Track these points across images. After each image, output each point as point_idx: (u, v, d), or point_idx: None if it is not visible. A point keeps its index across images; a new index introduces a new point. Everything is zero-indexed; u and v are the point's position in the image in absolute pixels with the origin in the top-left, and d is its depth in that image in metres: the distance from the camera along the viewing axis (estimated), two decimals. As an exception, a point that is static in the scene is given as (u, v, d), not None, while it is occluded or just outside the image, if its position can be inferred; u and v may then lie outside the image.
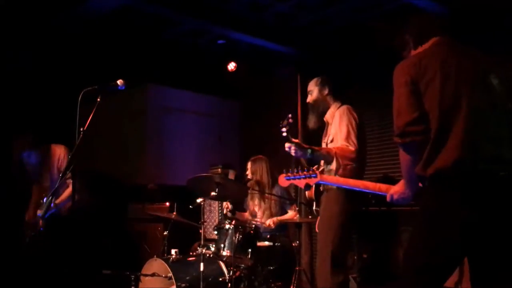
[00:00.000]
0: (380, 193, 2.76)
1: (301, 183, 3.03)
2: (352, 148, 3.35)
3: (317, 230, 3.56)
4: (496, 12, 4.62)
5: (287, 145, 3.30)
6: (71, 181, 3.80)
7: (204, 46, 6.33)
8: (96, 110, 3.08)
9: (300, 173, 3.02)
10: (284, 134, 3.19)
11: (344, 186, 3.08)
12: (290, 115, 3.20)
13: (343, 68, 5.83)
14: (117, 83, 3.29)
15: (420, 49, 2.47)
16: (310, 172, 2.99)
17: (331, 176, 3.21)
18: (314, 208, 3.58)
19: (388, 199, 2.60)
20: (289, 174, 3.07)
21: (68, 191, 4.58)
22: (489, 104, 2.29)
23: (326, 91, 3.69)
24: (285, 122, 3.18)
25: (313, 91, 3.72)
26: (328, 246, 3.33)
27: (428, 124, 2.26)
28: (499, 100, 2.32)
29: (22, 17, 5.09)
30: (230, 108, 7.46)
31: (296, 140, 3.30)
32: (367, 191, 2.87)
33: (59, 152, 4.77)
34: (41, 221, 4.56)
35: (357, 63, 5.76)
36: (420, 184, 2.44)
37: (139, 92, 6.48)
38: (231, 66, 6.40)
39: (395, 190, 2.55)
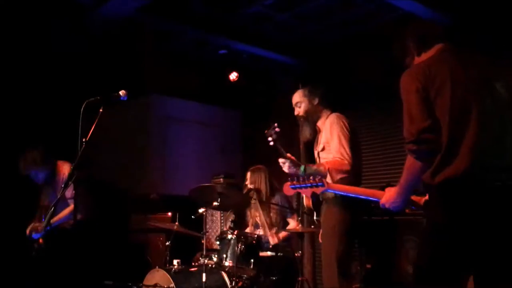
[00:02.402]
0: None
1: (307, 192, 2.94)
2: (345, 161, 3.33)
3: (320, 240, 3.54)
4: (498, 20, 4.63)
5: (281, 160, 3.29)
6: (73, 201, 3.79)
7: (206, 56, 6.35)
8: (99, 121, 3.09)
9: (306, 181, 2.96)
10: (271, 143, 3.19)
11: (351, 194, 3.05)
12: (275, 124, 3.20)
13: (344, 77, 5.84)
14: (119, 94, 3.29)
15: (424, 56, 2.46)
16: (317, 180, 2.94)
17: (338, 185, 3.17)
18: (315, 218, 3.57)
19: (381, 205, 2.58)
20: (295, 182, 2.99)
21: (68, 209, 4.50)
22: (496, 113, 2.29)
23: (316, 101, 3.65)
24: (271, 131, 3.18)
25: (302, 102, 3.68)
26: (332, 254, 3.32)
27: (439, 132, 2.25)
28: (505, 108, 2.32)
29: (25, 30, 5.13)
30: (232, 117, 7.46)
31: (291, 157, 3.30)
32: (372, 199, 2.86)
33: (65, 169, 4.66)
34: (40, 239, 4.52)
35: (358, 72, 5.77)
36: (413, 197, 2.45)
37: (142, 102, 6.49)
38: (233, 76, 6.42)
39: (386, 199, 2.52)
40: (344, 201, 3.31)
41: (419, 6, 4.76)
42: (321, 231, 3.50)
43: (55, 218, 4.41)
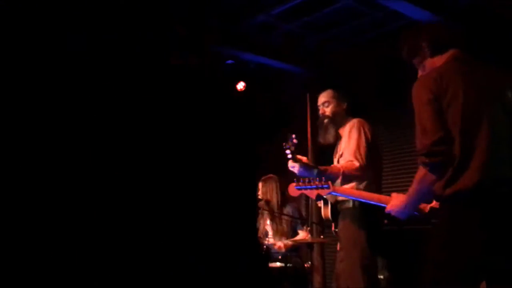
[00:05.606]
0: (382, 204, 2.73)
1: (312, 193, 2.96)
2: (356, 164, 3.18)
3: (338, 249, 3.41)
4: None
5: (290, 164, 3.20)
6: None
7: (212, 65, 6.34)
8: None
9: (311, 183, 2.94)
10: (289, 156, 3.10)
11: (356, 198, 3.02)
12: (293, 135, 3.12)
13: (351, 87, 5.80)
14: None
15: (437, 60, 2.40)
16: (323, 182, 2.93)
17: (343, 188, 3.13)
18: (333, 229, 3.43)
19: (386, 211, 2.55)
20: (300, 183, 2.98)
21: None
22: (508, 123, 2.25)
23: (345, 105, 3.54)
24: (289, 144, 3.08)
25: (331, 103, 3.55)
26: (356, 264, 3.15)
27: (452, 143, 2.20)
28: None
29: (30, 40, 5.14)
30: (239, 128, 7.43)
31: (303, 159, 3.22)
32: (378, 204, 2.83)
33: None
34: None
35: (365, 82, 5.74)
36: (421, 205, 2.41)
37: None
38: (240, 86, 6.40)
39: (392, 206, 2.49)
40: (361, 211, 3.20)
41: (428, 14, 4.73)
42: (338, 244, 3.38)
43: None
